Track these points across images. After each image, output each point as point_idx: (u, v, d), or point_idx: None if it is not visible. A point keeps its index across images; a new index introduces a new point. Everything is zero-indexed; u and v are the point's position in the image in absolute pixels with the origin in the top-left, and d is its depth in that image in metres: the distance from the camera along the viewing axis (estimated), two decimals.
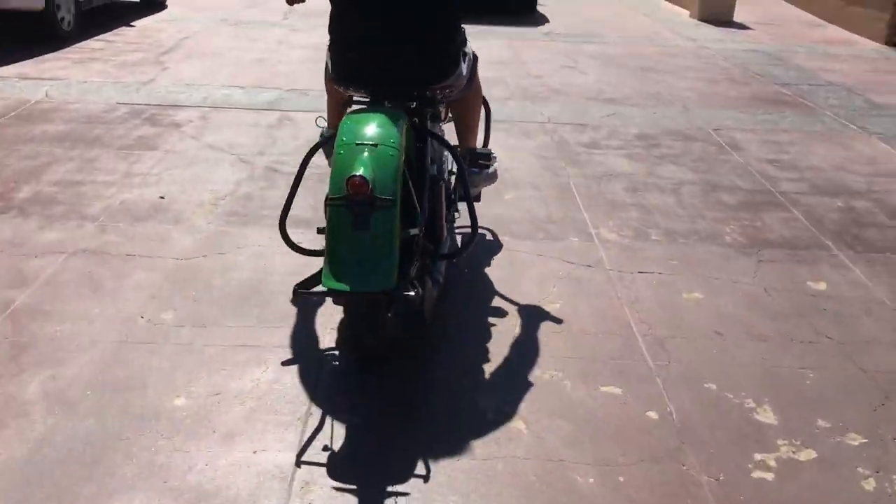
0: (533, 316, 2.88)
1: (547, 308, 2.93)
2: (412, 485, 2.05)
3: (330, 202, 2.25)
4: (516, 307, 2.93)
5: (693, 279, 3.22)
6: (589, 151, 4.82)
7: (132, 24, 8.49)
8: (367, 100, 2.67)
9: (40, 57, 6.57)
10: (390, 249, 2.22)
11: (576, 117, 5.56)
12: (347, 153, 2.29)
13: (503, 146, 4.76)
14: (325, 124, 3.24)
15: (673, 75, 7.19)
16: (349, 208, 2.21)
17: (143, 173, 4.08)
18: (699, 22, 11.11)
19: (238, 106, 5.39)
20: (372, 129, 2.34)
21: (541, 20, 10.56)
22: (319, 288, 2.28)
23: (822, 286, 3.22)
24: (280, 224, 2.59)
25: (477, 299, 2.98)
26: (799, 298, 3.11)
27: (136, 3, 9.54)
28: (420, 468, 2.11)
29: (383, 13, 2.57)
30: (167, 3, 10.08)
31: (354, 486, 2.03)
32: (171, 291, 2.91)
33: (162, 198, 3.77)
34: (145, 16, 9.06)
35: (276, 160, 4.37)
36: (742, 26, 10.79)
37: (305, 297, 2.66)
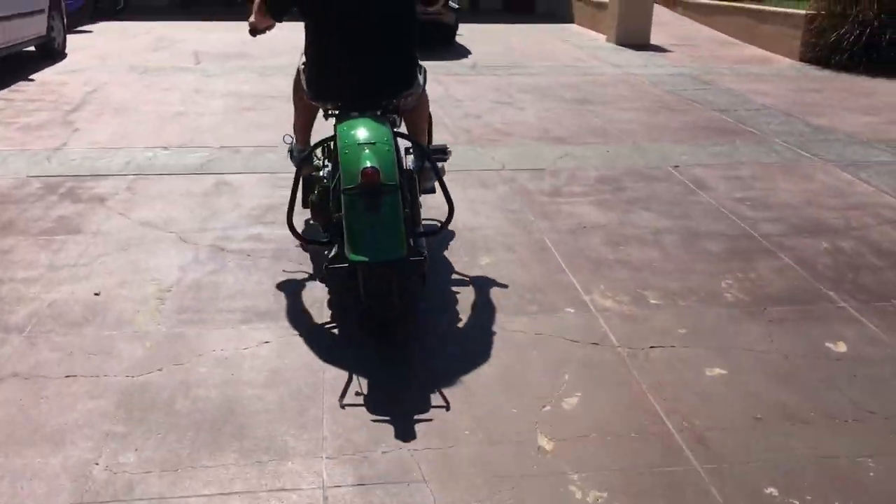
0: (557, 419, 2.54)
1: (565, 404, 2.60)
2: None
3: (345, 192, 2.74)
4: (534, 407, 2.59)
5: (709, 352, 2.95)
6: (554, 201, 4.54)
7: (31, 77, 7.83)
8: (336, 111, 3.20)
9: None
10: (398, 225, 2.74)
11: (529, 161, 5.29)
12: (352, 152, 2.80)
13: (463, 199, 4.44)
14: (292, 141, 3.79)
15: (611, 106, 7.03)
16: (362, 196, 2.71)
17: (71, 264, 3.57)
18: (617, 46, 11.10)
19: (166, 171, 4.90)
20: (366, 131, 2.86)
21: (462, 52, 10.34)
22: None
23: (842, 348, 3.00)
24: (287, 222, 3.04)
25: (485, 398, 2.62)
26: (824, 365, 2.87)
27: (33, 53, 8.84)
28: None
29: (356, 37, 3.08)
30: (66, 51, 9.40)
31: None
32: (127, 424, 2.45)
33: (97, 294, 3.28)
34: (44, 67, 8.39)
35: (220, 236, 3.92)
36: (659, 48, 10.83)
37: (335, 272, 2.94)
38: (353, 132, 2.87)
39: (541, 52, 10.54)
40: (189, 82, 7.77)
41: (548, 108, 6.90)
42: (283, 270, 3.54)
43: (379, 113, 3.10)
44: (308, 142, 3.68)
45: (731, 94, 7.69)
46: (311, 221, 3.61)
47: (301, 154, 3.52)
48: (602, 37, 11.99)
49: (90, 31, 11.66)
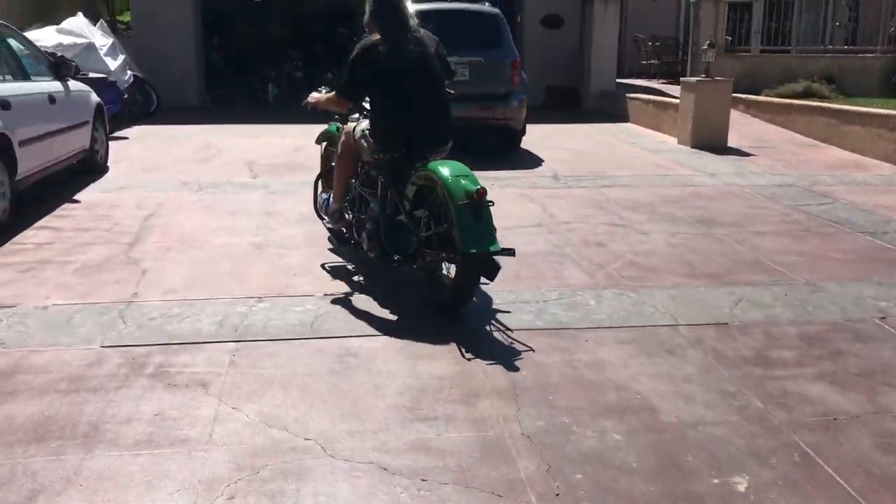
0: None
1: None
2: None
3: (458, 206, 3.91)
4: None
5: None
6: (770, 374, 3.60)
7: (76, 198, 6.99)
8: (400, 158, 4.43)
9: None
10: (493, 228, 4.01)
11: (702, 311, 4.37)
12: (455, 181, 4.01)
13: (657, 375, 3.51)
14: (326, 199, 5.24)
15: (744, 230, 6.15)
16: (471, 208, 3.92)
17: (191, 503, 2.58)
18: (693, 149, 10.35)
19: (271, 335, 3.97)
20: (457, 168, 4.14)
21: (532, 158, 9.56)
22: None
23: None
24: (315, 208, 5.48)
25: None
26: None
27: (73, 166, 8.03)
28: None
29: (418, 107, 4.39)
30: (108, 163, 8.60)
31: None
32: None
33: None
34: (87, 184, 7.57)
35: (376, 446, 2.94)
36: (740, 152, 10.07)
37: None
38: (448, 169, 4.10)
39: (614, 157, 9.77)
40: (254, 202, 6.93)
41: (674, 233, 6.02)
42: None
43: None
44: (342, 199, 4.96)
45: (861, 210, 6.84)
46: (370, 253, 4.66)
47: (337, 211, 4.99)
48: (670, 138, 11.27)
49: (126, 138, 10.93)
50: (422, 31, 4.58)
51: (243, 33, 19.32)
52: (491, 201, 3.95)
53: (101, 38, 12.25)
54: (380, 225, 4.50)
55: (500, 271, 4.09)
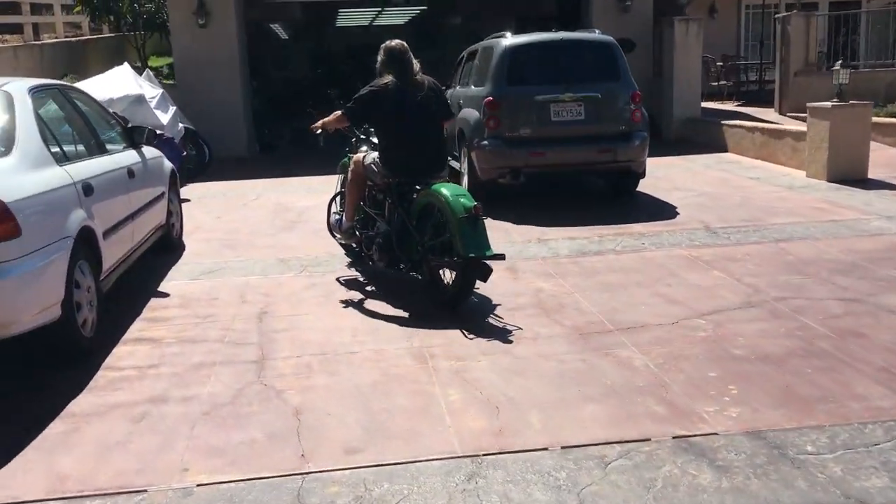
0: None
1: None
2: None
3: (460, 219, 4.81)
4: None
5: None
6: None
7: (163, 289, 5.79)
8: (404, 182, 5.44)
9: (51, 406, 3.79)
10: (486, 236, 4.91)
11: None
12: (455, 199, 4.91)
13: None
14: (339, 218, 6.23)
15: None
16: (468, 220, 4.80)
17: None
18: (831, 184, 9.06)
19: None
20: (456, 189, 5.09)
21: (658, 205, 8.28)
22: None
23: None
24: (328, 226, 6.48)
25: None
26: None
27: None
28: None
29: (418, 137, 5.38)
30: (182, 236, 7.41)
31: None
32: None
33: None
34: (168, 267, 6.37)
35: None
36: (888, 185, 8.78)
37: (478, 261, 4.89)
38: (448, 189, 5.06)
39: (752, 199, 8.49)
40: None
41: None
42: None
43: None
44: (354, 217, 5.90)
45: None
46: (380, 263, 5.62)
47: (349, 229, 5.91)
48: (794, 171, 9.99)
49: (188, 200, 9.74)
50: (423, 77, 5.52)
51: (271, 74, 18.25)
52: (484, 215, 4.90)
53: (149, 89, 11.12)
54: (390, 238, 5.44)
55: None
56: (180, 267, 6.49)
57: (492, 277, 5.03)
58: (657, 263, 6.05)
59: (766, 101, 16.37)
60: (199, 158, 11.93)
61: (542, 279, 5.76)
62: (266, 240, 7.40)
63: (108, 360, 4.44)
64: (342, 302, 5.40)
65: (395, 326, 4.86)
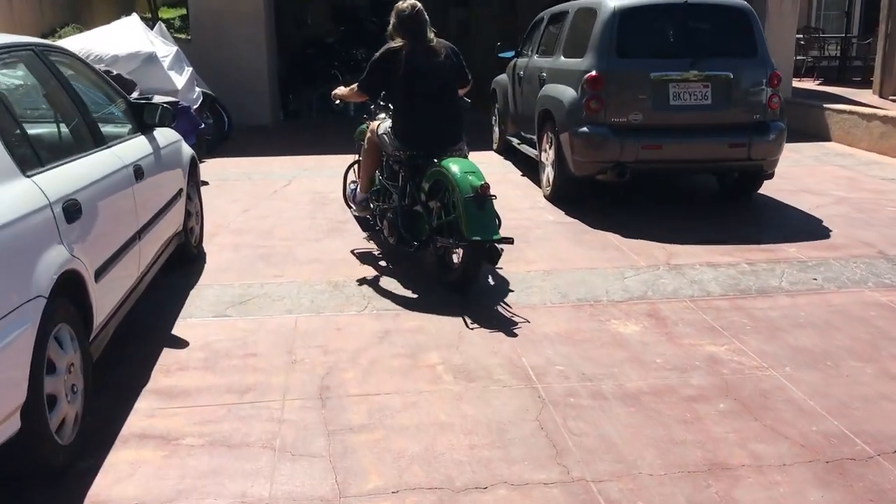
0: None
1: None
2: None
3: (465, 199, 4.43)
4: None
5: None
6: None
7: (177, 334, 4.18)
8: (417, 155, 5.02)
9: None
10: (496, 218, 4.54)
11: None
12: (462, 176, 4.53)
13: None
14: (354, 188, 5.99)
15: None
16: (475, 200, 4.43)
17: None
18: None
19: None
20: (466, 165, 4.68)
21: (793, 216, 6.61)
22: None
23: None
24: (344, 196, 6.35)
25: None
26: None
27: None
28: None
29: (433, 108, 4.98)
30: (201, 245, 5.77)
31: None
32: None
33: None
34: (185, 292, 4.75)
35: None
36: None
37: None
38: (457, 165, 4.65)
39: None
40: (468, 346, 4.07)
41: None
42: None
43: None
44: (369, 189, 5.64)
45: None
46: (390, 239, 5.36)
47: (364, 200, 5.69)
48: None
49: (206, 183, 8.08)
50: (438, 41, 5.08)
51: (292, 33, 16.38)
52: (493, 195, 4.51)
53: (162, 47, 9.42)
54: (398, 214, 5.14)
55: None
56: (201, 291, 4.86)
57: (637, 330, 3.55)
58: (855, 316, 4.42)
59: (852, 81, 14.57)
60: (218, 128, 10.30)
61: (707, 338, 4.13)
62: (309, 249, 5.76)
63: (97, 486, 2.83)
64: (437, 368, 3.77)
65: (527, 425, 3.24)
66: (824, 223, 6.35)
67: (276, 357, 3.91)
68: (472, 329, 4.25)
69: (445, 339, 4.12)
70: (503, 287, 4.91)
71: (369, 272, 5.23)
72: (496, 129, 9.83)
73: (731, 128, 6.50)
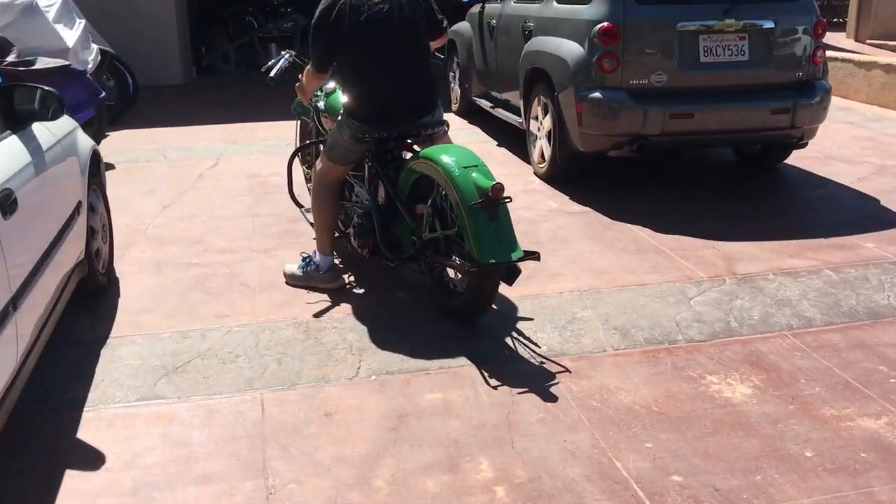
0: None
1: None
2: None
3: (470, 207, 3.21)
4: None
5: None
6: None
7: (86, 441, 2.78)
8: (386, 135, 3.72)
9: None
10: (512, 229, 3.28)
11: None
12: (463, 174, 3.29)
13: None
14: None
15: None
16: (483, 208, 3.21)
17: None
18: None
19: None
20: (462, 156, 3.40)
21: (838, 193, 5.52)
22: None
23: None
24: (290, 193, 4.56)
25: None
26: None
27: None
28: None
29: (396, 66, 3.68)
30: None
31: None
32: None
33: None
34: (91, 346, 3.32)
35: None
36: None
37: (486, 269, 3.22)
38: (451, 157, 3.37)
39: None
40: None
41: None
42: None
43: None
44: (332, 246, 4.04)
45: None
46: (360, 251, 3.93)
47: (331, 269, 4.01)
48: None
49: (111, 167, 6.49)
50: None
51: None
52: (508, 197, 3.27)
53: None
54: (372, 219, 3.82)
55: None
56: (116, 350, 3.42)
57: (748, 393, 2.68)
58: None
59: (832, 23, 13.63)
60: (122, 91, 8.58)
61: (852, 404, 2.97)
62: (259, 265, 4.35)
63: None
64: (496, 492, 2.49)
65: None
66: (883, 203, 5.28)
67: (244, 482, 2.54)
68: (520, 403, 2.96)
69: (489, 426, 2.83)
70: (536, 322, 3.63)
71: (347, 301, 3.86)
72: (456, 88, 8.44)
73: (772, 89, 5.32)
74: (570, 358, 3.31)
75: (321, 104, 4.28)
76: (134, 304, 3.87)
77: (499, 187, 3.21)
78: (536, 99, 5.91)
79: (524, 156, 6.32)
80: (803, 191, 5.65)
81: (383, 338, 3.50)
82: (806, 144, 5.77)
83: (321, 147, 4.33)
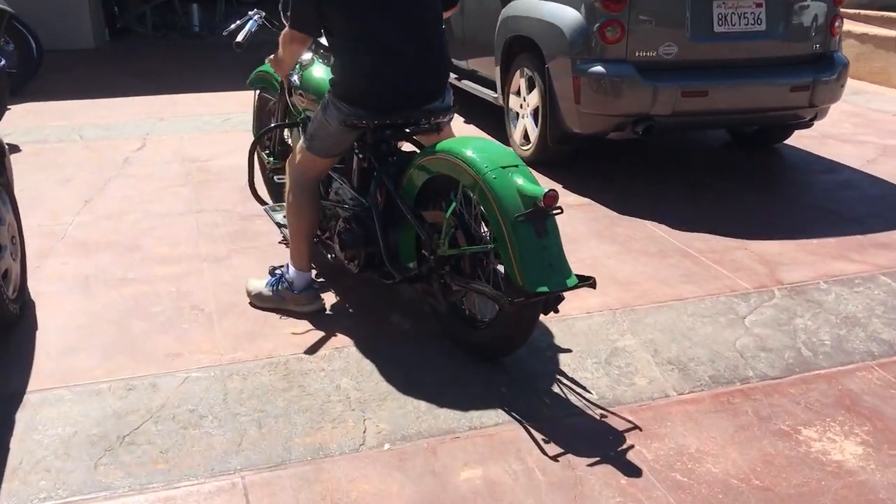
0: None
1: None
2: None
3: (516, 218, 2.46)
4: None
5: None
6: None
7: None
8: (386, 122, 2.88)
9: None
10: (562, 247, 2.55)
11: None
12: (502, 176, 2.52)
13: None
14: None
15: None
16: (532, 220, 2.47)
17: None
18: None
19: None
20: (496, 152, 2.63)
21: (854, 178, 5.04)
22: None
23: None
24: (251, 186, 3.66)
25: None
26: None
27: None
28: None
29: (400, 40, 2.84)
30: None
31: None
32: None
33: None
34: (1, 429, 2.46)
35: None
36: None
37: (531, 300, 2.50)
38: (480, 154, 2.61)
39: None
40: None
41: None
42: None
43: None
44: (310, 261, 3.22)
45: None
46: (350, 265, 3.11)
47: (307, 287, 3.19)
48: None
49: (16, 149, 5.50)
50: None
51: None
52: (559, 208, 2.50)
53: None
54: (363, 223, 3.02)
55: None
56: (38, 413, 2.60)
57: (859, 453, 1.79)
58: None
59: None
60: (24, 57, 7.45)
61: None
62: (212, 281, 3.54)
63: None
64: None
65: None
66: None
67: None
68: (586, 481, 2.28)
69: None
70: (574, 355, 2.96)
71: (331, 329, 3.11)
72: None
73: (790, 63, 4.74)
74: (628, 408, 2.65)
75: (296, 78, 3.45)
76: (57, 341, 3.02)
77: (553, 195, 2.48)
78: (519, 71, 5.20)
79: (500, 135, 5.60)
80: (814, 176, 5.12)
81: (386, 383, 2.77)
82: (812, 125, 5.24)
83: (293, 133, 3.53)
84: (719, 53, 4.61)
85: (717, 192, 4.73)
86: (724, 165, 5.39)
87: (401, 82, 2.90)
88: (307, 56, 3.41)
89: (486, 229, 2.76)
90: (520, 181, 2.56)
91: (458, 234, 2.77)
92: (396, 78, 2.89)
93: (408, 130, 3.06)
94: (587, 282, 2.60)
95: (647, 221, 4.24)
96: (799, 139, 5.75)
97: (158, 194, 4.64)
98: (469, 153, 2.65)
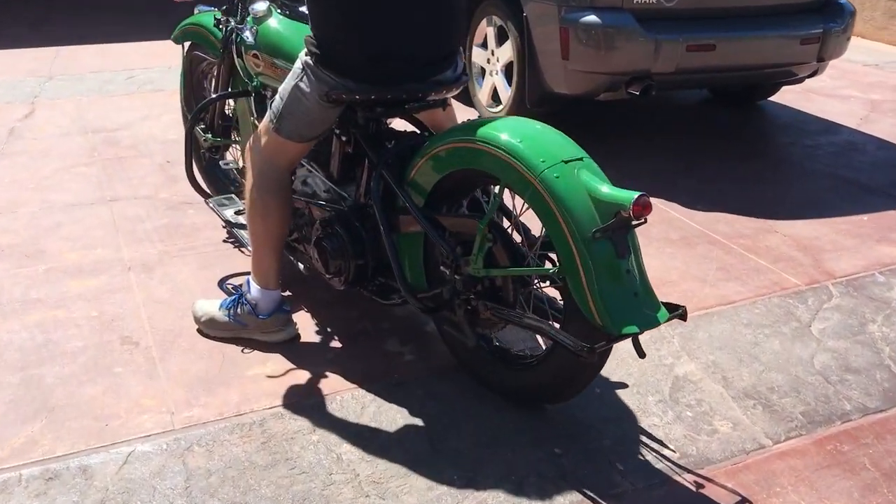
0: None
1: None
2: None
3: (593, 234, 1.82)
4: None
5: None
6: None
7: None
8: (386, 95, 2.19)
9: None
10: (645, 270, 1.93)
11: None
12: (567, 175, 1.87)
13: None
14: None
15: None
16: (610, 238, 1.84)
17: None
18: None
19: None
20: (549, 141, 1.97)
21: (857, 140, 4.60)
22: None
23: None
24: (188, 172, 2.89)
25: None
26: None
27: None
28: None
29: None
30: None
31: None
32: None
33: None
34: None
35: None
36: None
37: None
38: (528, 143, 1.93)
39: None
40: None
41: None
42: None
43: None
44: (279, 276, 2.46)
45: None
46: (335, 281, 2.42)
47: (276, 307, 2.45)
48: None
49: None
50: None
51: None
52: (644, 218, 1.81)
53: None
54: (350, 229, 2.34)
55: None
56: None
57: None
58: None
59: None
60: None
61: None
62: (145, 297, 2.75)
63: None
64: None
65: None
66: None
67: None
68: None
69: None
70: (631, 392, 2.36)
71: (313, 368, 2.41)
72: None
73: (798, 12, 4.19)
74: (721, 468, 2.06)
75: (248, 34, 2.64)
76: None
77: (645, 201, 1.82)
78: (485, 19, 4.48)
79: (460, 94, 4.88)
80: (812, 138, 4.64)
81: (402, 450, 2.09)
82: (802, 81, 4.74)
83: (242, 104, 2.75)
84: (724, 1, 4.01)
85: (717, 160, 4.20)
86: (709, 126, 4.86)
87: (409, 45, 2.18)
88: (262, 5, 2.60)
89: (517, 237, 2.12)
90: (592, 182, 1.90)
91: (495, 248, 2.09)
92: (403, 39, 2.16)
93: (407, 107, 2.33)
94: (677, 312, 1.97)
95: (658, 200, 3.65)
96: (781, 94, 5.27)
97: (59, 177, 3.75)
98: (515, 141, 1.96)
